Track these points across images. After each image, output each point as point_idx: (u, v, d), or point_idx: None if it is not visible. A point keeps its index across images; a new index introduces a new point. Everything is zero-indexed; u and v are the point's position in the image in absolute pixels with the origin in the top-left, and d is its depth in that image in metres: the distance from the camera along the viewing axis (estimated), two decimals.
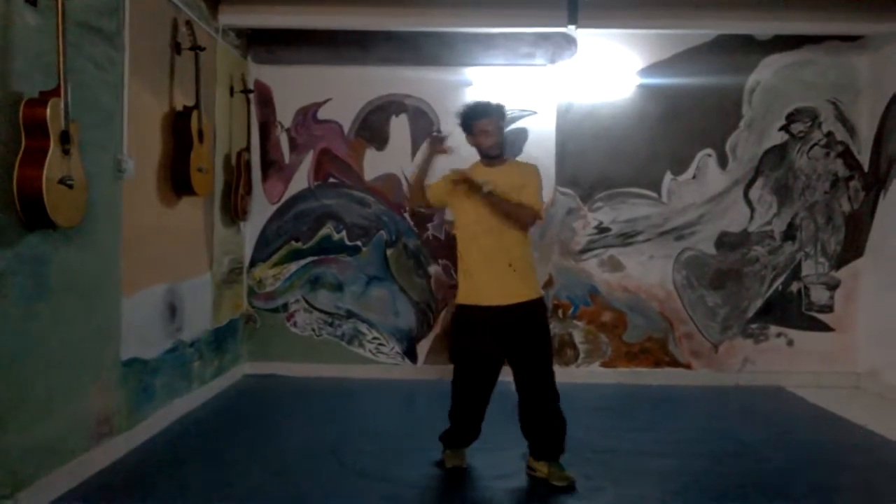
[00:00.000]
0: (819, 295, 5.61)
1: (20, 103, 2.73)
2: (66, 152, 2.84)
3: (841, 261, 5.60)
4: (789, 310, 5.62)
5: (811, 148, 5.58)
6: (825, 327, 5.60)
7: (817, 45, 5.53)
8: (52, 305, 3.04)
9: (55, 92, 2.81)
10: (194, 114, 4.24)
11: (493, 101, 3.57)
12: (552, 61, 5.60)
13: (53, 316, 3.05)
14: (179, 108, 4.28)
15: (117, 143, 3.58)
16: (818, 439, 4.21)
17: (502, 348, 3.44)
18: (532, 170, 3.61)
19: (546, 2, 4.92)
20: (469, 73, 5.60)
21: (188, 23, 4.29)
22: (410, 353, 5.66)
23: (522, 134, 5.60)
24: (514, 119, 5.57)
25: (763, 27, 5.29)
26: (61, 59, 2.82)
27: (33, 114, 2.73)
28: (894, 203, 5.27)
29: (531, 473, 3.49)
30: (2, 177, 2.68)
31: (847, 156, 5.57)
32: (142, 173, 3.85)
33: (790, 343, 5.61)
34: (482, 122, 3.47)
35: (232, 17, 5.02)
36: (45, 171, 2.71)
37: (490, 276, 3.41)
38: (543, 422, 3.41)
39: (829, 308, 5.61)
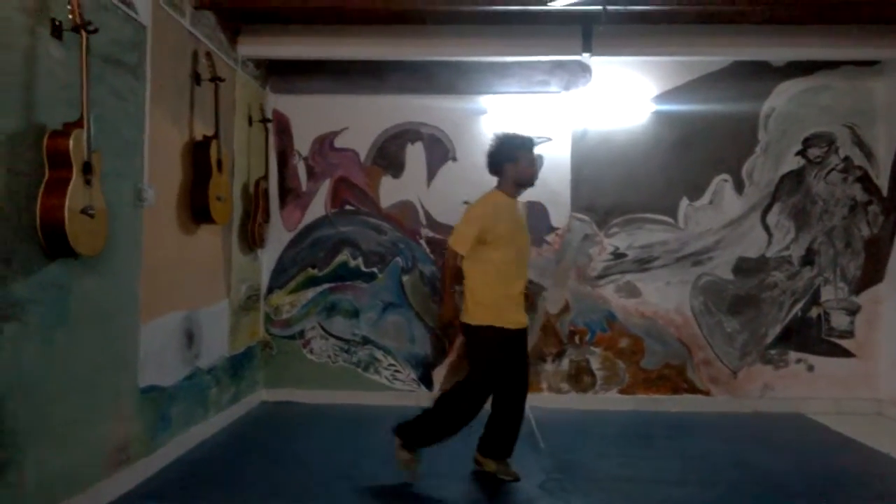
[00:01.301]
0: (839, 320, 5.55)
1: (44, 134, 2.79)
2: (87, 182, 2.89)
3: (861, 286, 5.54)
4: (809, 335, 5.56)
5: (828, 173, 5.56)
6: (846, 353, 5.53)
7: (833, 70, 5.54)
8: (71, 333, 3.07)
9: (78, 123, 2.86)
10: (213, 143, 4.31)
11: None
12: (567, 89, 5.64)
13: (73, 343, 3.09)
14: (199, 137, 4.34)
15: (138, 173, 3.64)
16: (840, 467, 4.14)
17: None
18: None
19: (560, 30, 4.97)
20: (484, 100, 5.65)
21: (208, 54, 4.37)
22: (426, 380, 5.65)
23: (538, 161, 5.61)
24: None
25: (778, 53, 5.30)
26: (84, 90, 2.88)
27: (56, 145, 2.78)
28: None
29: (479, 468, 3.89)
30: (25, 206, 2.73)
31: (865, 180, 5.54)
32: (162, 202, 3.90)
33: (810, 369, 5.54)
34: (532, 153, 3.73)
35: (251, 49, 5.12)
36: (67, 201, 2.76)
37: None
38: (514, 426, 3.82)
39: (849, 333, 5.54)
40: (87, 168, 2.88)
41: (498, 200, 3.74)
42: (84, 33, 2.88)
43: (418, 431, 3.70)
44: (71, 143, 2.79)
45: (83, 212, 2.86)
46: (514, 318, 3.67)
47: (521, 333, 3.75)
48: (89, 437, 3.24)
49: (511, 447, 3.85)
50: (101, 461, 3.33)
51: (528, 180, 3.78)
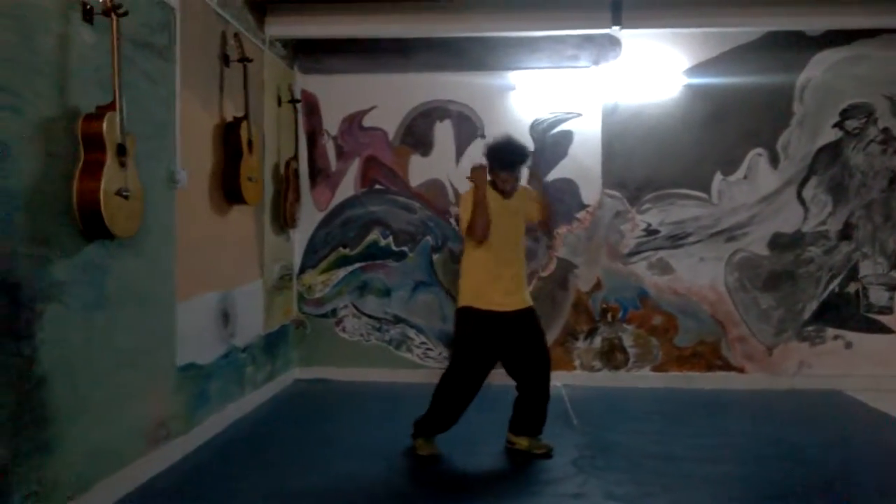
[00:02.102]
0: (878, 296, 5.45)
1: (78, 118, 2.82)
2: (122, 164, 2.93)
3: None
4: (847, 311, 5.46)
5: (867, 145, 5.42)
6: (885, 329, 5.43)
7: (870, 39, 5.38)
8: (110, 313, 3.13)
9: (111, 106, 2.90)
10: (244, 124, 4.33)
11: (525, 149, 3.83)
12: (597, 63, 5.56)
13: (111, 323, 3.15)
14: (229, 118, 4.37)
15: (170, 155, 3.68)
16: (878, 444, 4.09)
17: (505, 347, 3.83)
18: (530, 192, 4.04)
19: (590, 3, 4.89)
20: (513, 76, 5.60)
21: (236, 35, 4.39)
22: None
23: (568, 136, 5.57)
24: (560, 122, 5.56)
25: (814, 22, 5.16)
26: (116, 74, 2.91)
27: (91, 128, 2.81)
28: None
29: (511, 447, 3.93)
30: (62, 189, 2.77)
31: None
32: (194, 183, 3.94)
33: (848, 345, 5.46)
34: (506, 173, 3.76)
35: (278, 29, 5.12)
36: (102, 184, 2.80)
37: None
38: (540, 405, 3.86)
39: (888, 309, 5.44)
40: (121, 150, 2.91)
41: None
42: (115, 16, 2.91)
43: (426, 421, 3.87)
44: (105, 125, 2.82)
45: (118, 193, 2.89)
46: (497, 300, 3.73)
47: (513, 316, 3.76)
48: (130, 414, 3.30)
49: (541, 425, 3.89)
50: (141, 438, 3.40)
51: (500, 190, 3.81)
